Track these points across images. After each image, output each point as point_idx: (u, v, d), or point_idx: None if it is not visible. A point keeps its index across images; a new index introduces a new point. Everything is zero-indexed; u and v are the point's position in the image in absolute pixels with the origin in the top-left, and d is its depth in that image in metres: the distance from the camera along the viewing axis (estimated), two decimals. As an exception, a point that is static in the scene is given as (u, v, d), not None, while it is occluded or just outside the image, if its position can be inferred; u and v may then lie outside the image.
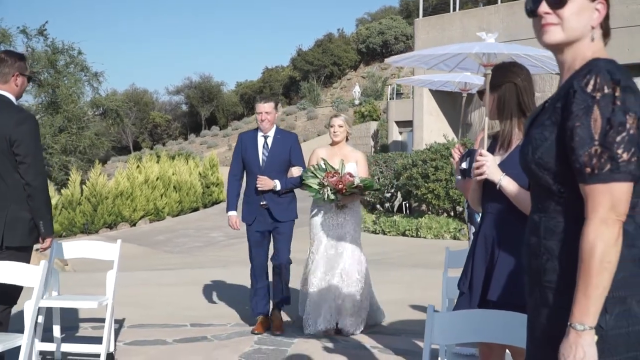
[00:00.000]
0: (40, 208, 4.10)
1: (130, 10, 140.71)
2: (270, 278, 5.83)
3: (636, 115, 1.69)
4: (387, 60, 3.98)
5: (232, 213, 5.78)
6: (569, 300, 1.70)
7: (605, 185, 1.68)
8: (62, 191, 20.55)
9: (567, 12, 1.83)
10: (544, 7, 1.86)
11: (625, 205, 1.70)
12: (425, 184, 14.53)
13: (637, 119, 1.70)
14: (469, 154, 3.21)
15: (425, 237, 14.20)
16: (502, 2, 20.02)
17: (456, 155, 3.43)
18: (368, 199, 16.94)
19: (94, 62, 43.31)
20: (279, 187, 5.58)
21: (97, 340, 4.79)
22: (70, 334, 5.50)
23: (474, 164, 2.93)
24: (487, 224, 2.96)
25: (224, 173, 18.03)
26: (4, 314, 4.15)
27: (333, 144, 5.75)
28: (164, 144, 50.22)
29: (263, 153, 5.67)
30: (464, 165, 3.24)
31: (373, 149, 29.68)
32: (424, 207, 15.58)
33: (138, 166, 23.35)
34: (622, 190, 1.69)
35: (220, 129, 50.42)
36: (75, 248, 5.12)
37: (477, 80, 4.61)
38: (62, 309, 4.93)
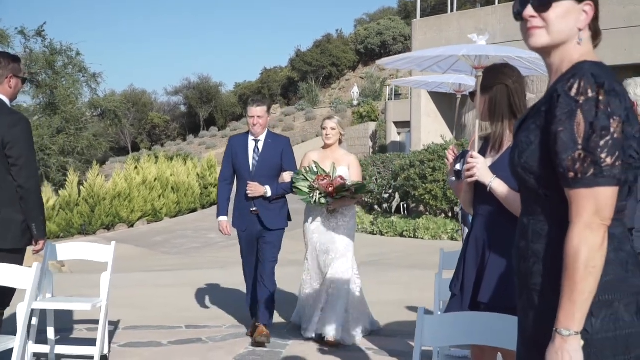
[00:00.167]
0: (33, 210, 4.09)
1: (129, 10, 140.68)
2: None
3: (621, 119, 1.68)
4: (379, 62, 3.97)
5: (222, 218, 5.64)
6: (554, 303, 1.69)
7: (589, 190, 1.67)
8: (60, 192, 20.53)
9: (553, 15, 1.82)
10: (529, 11, 1.85)
11: (610, 209, 1.68)
12: (423, 185, 14.53)
13: (622, 122, 1.68)
14: (463, 156, 3.21)
15: (422, 238, 14.19)
16: (499, 3, 20.03)
17: (450, 156, 3.43)
18: (366, 199, 16.93)
19: (93, 63, 43.52)
20: (269, 194, 5.44)
21: (92, 342, 4.78)
22: (65, 335, 5.49)
23: (465, 166, 2.93)
24: (478, 226, 2.96)
25: (221, 174, 17.89)
26: (-3, 315, 4.15)
27: (325, 146, 5.62)
28: (162, 145, 50.17)
29: (254, 158, 5.52)
30: (458, 166, 3.23)
31: (371, 150, 29.70)
32: (421, 208, 15.57)
33: (136, 167, 23.31)
34: (606, 194, 1.67)
35: (219, 130, 50.39)
36: (69, 250, 5.11)
37: (471, 81, 4.60)
38: (57, 311, 4.93)
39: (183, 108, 61.03)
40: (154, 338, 5.54)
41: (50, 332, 4.87)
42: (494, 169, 2.90)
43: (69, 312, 5.98)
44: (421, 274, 8.35)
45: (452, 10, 21.48)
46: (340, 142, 5.61)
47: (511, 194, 2.75)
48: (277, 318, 5.93)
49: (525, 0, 1.86)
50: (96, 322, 4.81)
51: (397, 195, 16.08)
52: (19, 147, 4.02)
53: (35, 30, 23.69)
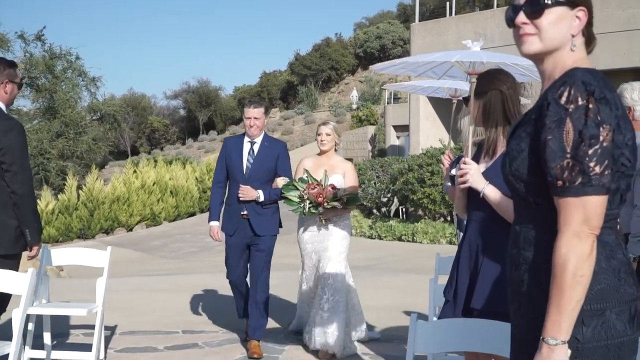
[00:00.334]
0: (26, 216, 4.09)
1: (128, 11, 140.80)
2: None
3: (611, 127, 1.66)
4: (372, 67, 3.96)
5: (213, 223, 5.46)
6: (545, 312, 1.68)
7: (578, 199, 1.66)
8: (59, 196, 20.54)
9: (545, 22, 1.80)
10: (521, 18, 1.84)
11: (599, 218, 1.67)
12: (422, 189, 14.54)
13: (612, 130, 1.67)
14: (458, 161, 3.20)
15: (421, 242, 14.20)
16: (498, 7, 20.06)
17: (446, 161, 3.43)
18: (365, 203, 16.93)
19: (92, 67, 43.46)
20: (262, 198, 5.25)
21: (88, 347, 4.78)
22: (61, 340, 5.49)
23: (457, 172, 2.92)
24: (471, 231, 2.96)
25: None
26: (-7, 320, 4.16)
27: (321, 153, 5.45)
28: (161, 149, 50.16)
29: (248, 160, 5.35)
30: (453, 171, 3.23)
31: (370, 154, 29.71)
32: (420, 212, 15.57)
33: (135, 171, 23.33)
34: (594, 203, 1.66)
35: (218, 134, 50.38)
36: (65, 255, 5.12)
37: (467, 86, 4.59)
38: (54, 316, 4.93)
39: (182, 112, 61.04)
40: (150, 343, 5.54)
41: (47, 338, 4.87)
42: (487, 175, 2.90)
43: (66, 317, 5.97)
44: (417, 279, 8.34)
45: (450, 14, 21.50)
46: (335, 149, 5.46)
47: (504, 200, 2.75)
48: (272, 323, 5.93)
49: (517, 6, 1.85)
50: (93, 327, 4.80)
51: (395, 199, 16.09)
52: (12, 153, 4.02)
53: (35, 35, 23.73)
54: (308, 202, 5.03)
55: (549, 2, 1.79)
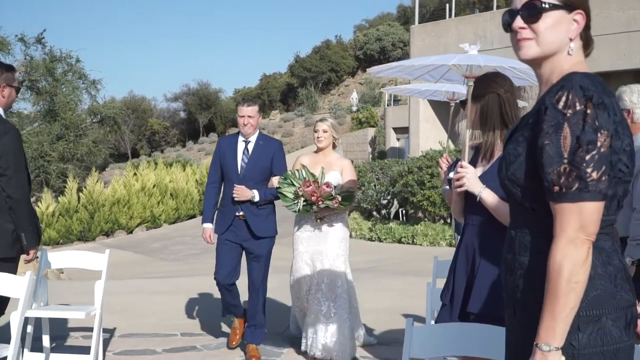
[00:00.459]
0: (22, 220, 4.08)
1: (128, 13, 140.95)
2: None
3: (608, 133, 1.65)
4: (370, 70, 3.97)
5: (207, 225, 5.31)
6: (538, 318, 1.68)
7: (574, 205, 1.65)
8: (59, 199, 20.57)
9: (542, 26, 1.78)
10: (518, 22, 1.82)
11: (595, 225, 1.66)
12: (421, 191, 14.53)
13: (610, 136, 1.65)
14: (456, 164, 3.20)
15: (421, 244, 14.19)
16: (497, 8, 20.08)
17: (444, 164, 3.43)
18: (364, 205, 16.92)
19: (92, 69, 43.45)
20: (257, 198, 5.12)
21: (87, 350, 4.79)
22: (60, 343, 5.50)
23: (454, 176, 2.92)
24: (468, 235, 2.96)
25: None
26: (-9, 324, 4.16)
27: (318, 150, 5.29)
28: (162, 151, 50.17)
29: (242, 159, 5.22)
30: (451, 174, 3.23)
31: (370, 156, 29.72)
32: (420, 214, 15.57)
33: (135, 174, 23.37)
34: (591, 210, 1.65)
35: (218, 136, 50.31)
36: (64, 258, 5.13)
37: (464, 89, 4.58)
38: (53, 318, 4.93)
39: (182, 114, 61.04)
40: (149, 346, 5.54)
41: (46, 340, 4.88)
42: (484, 178, 2.89)
43: (65, 320, 5.98)
44: (417, 281, 8.33)
45: (450, 16, 21.52)
46: (334, 146, 5.31)
47: (501, 204, 2.74)
48: (271, 326, 5.91)
49: (514, 11, 1.84)
50: (92, 329, 4.80)
51: (395, 202, 16.09)
52: (6, 157, 4.01)
53: (35, 38, 23.75)
54: (302, 199, 4.88)
55: (547, 6, 1.78)
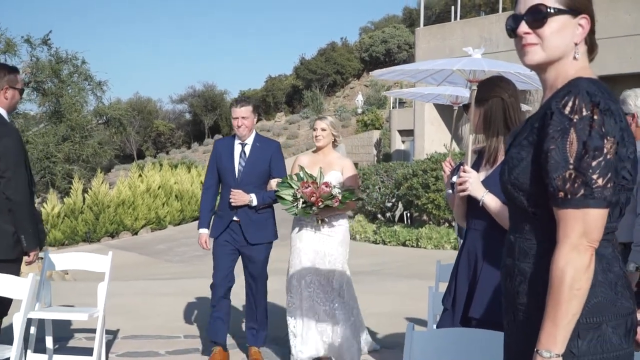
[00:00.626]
0: (22, 222, 4.08)
1: (134, 14, 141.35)
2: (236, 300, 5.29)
3: (615, 140, 1.64)
4: (372, 73, 3.95)
5: (203, 231, 5.20)
6: (539, 324, 1.67)
7: (579, 211, 1.63)
8: (65, 200, 20.62)
9: (548, 31, 1.77)
10: (523, 27, 1.80)
11: (599, 231, 1.65)
12: (426, 194, 14.52)
13: (616, 143, 1.64)
14: (459, 168, 3.19)
15: (425, 248, 14.17)
16: (503, 11, 20.05)
17: (447, 168, 3.42)
18: (369, 208, 16.90)
19: (98, 71, 43.51)
20: (255, 202, 5.00)
21: (90, 351, 4.80)
22: (64, 344, 5.51)
23: (457, 181, 2.91)
24: (470, 240, 2.95)
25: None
26: (-6, 324, 4.17)
27: (317, 150, 5.12)
28: (167, 153, 50.28)
29: (240, 163, 5.08)
30: (454, 178, 3.22)
31: (376, 158, 29.70)
32: (424, 217, 15.55)
33: (140, 175, 23.40)
34: (595, 216, 1.64)
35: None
36: (67, 260, 5.15)
37: (467, 93, 4.56)
38: (56, 320, 4.94)
39: (188, 116, 61.14)
40: (152, 348, 5.55)
41: (49, 341, 4.89)
42: (487, 183, 2.88)
43: (69, 321, 5.99)
44: (421, 284, 8.31)
45: (456, 19, 21.50)
46: (335, 145, 5.13)
47: (503, 209, 2.73)
48: (273, 328, 5.88)
49: (518, 16, 1.82)
50: (96, 331, 4.81)
51: (400, 204, 16.08)
52: (5, 160, 4.02)
53: (41, 39, 23.79)
54: (301, 201, 4.72)
55: (552, 10, 1.76)
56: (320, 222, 4.92)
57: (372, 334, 5.87)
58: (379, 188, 16.97)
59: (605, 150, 1.62)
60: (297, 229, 5.04)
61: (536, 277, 1.76)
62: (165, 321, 6.58)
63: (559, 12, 1.77)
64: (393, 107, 30.70)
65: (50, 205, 19.35)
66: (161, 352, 5.45)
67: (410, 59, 40.43)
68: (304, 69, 53.18)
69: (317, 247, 4.93)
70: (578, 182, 1.63)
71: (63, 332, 5.73)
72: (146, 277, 11.41)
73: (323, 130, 5.03)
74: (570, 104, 1.66)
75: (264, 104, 53.47)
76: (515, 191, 1.81)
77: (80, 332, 5.90)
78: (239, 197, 4.99)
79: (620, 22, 15.27)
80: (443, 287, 3.91)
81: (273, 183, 5.04)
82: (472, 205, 2.92)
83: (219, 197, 5.31)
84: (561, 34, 1.78)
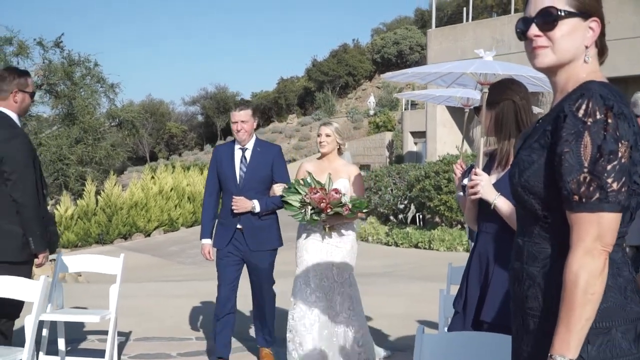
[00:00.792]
0: (29, 224, 4.09)
1: (147, 16, 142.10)
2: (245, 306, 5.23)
3: (629, 144, 1.63)
4: (383, 76, 3.95)
5: (205, 241, 5.06)
6: (548, 329, 1.66)
7: (593, 215, 1.62)
8: (78, 202, 20.76)
9: (558, 33, 1.75)
10: (533, 30, 1.79)
11: (612, 235, 1.64)
12: (438, 196, 14.49)
13: (629, 147, 1.63)
14: (471, 170, 3.17)
15: (437, 250, 14.13)
16: (515, 12, 19.97)
17: (458, 171, 3.40)
18: (381, 210, 16.88)
19: (111, 73, 43.74)
20: (258, 209, 4.86)
21: (102, 353, 4.81)
22: (76, 346, 5.53)
23: (468, 183, 2.90)
24: (482, 242, 2.94)
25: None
26: (6, 325, 4.20)
27: (321, 156, 4.98)
28: (180, 155, 50.54)
29: (241, 169, 4.96)
30: (465, 181, 3.20)
31: (388, 160, 29.67)
32: (437, 219, 15.52)
33: (152, 177, 23.51)
34: (609, 220, 1.63)
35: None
36: (79, 262, 5.16)
37: (478, 95, 4.53)
38: (68, 322, 4.96)
39: (200, 118, 61.44)
40: (164, 350, 5.56)
41: (61, 343, 4.91)
42: (499, 186, 2.86)
43: (81, 323, 6.01)
44: (433, 286, 8.28)
45: (467, 20, 21.45)
46: (340, 152, 5.02)
47: (515, 212, 2.72)
48: (281, 331, 5.88)
49: (528, 19, 1.81)
50: (107, 332, 4.83)
51: (412, 206, 16.05)
52: (12, 162, 4.03)
53: (54, 41, 23.97)
54: (310, 207, 4.56)
55: (562, 13, 1.75)
56: (327, 229, 4.77)
57: (384, 335, 5.86)
58: (391, 190, 16.95)
59: (619, 154, 1.61)
60: (304, 235, 4.89)
61: (545, 281, 1.74)
62: (178, 323, 6.59)
63: (569, 14, 1.76)
64: (405, 109, 30.66)
65: (63, 207, 19.49)
66: (173, 354, 5.46)
67: (422, 60, 40.36)
68: (316, 71, 53.24)
69: (324, 258, 4.79)
70: (593, 185, 1.61)
71: (75, 334, 5.76)
72: (158, 279, 11.46)
73: (328, 135, 4.92)
74: (583, 107, 1.64)
75: (276, 105, 53.61)
76: (525, 194, 1.79)
77: (93, 334, 5.93)
78: (241, 203, 4.87)
79: (630, 23, 15.19)
80: (454, 289, 3.89)
81: (277, 189, 4.91)
82: (483, 207, 2.91)
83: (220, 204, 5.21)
84: (572, 37, 1.76)
